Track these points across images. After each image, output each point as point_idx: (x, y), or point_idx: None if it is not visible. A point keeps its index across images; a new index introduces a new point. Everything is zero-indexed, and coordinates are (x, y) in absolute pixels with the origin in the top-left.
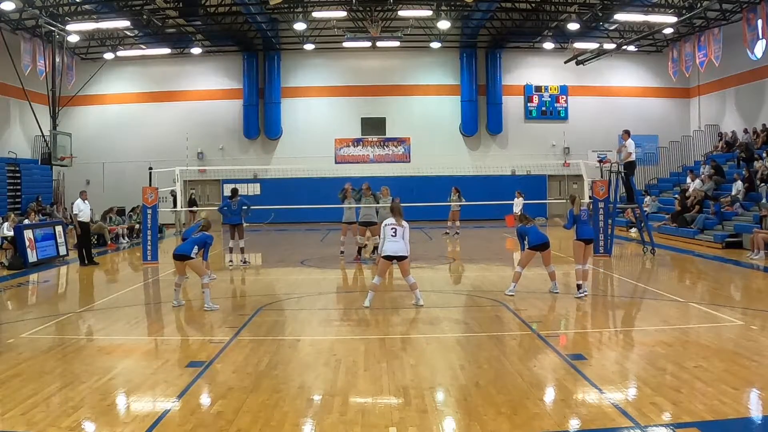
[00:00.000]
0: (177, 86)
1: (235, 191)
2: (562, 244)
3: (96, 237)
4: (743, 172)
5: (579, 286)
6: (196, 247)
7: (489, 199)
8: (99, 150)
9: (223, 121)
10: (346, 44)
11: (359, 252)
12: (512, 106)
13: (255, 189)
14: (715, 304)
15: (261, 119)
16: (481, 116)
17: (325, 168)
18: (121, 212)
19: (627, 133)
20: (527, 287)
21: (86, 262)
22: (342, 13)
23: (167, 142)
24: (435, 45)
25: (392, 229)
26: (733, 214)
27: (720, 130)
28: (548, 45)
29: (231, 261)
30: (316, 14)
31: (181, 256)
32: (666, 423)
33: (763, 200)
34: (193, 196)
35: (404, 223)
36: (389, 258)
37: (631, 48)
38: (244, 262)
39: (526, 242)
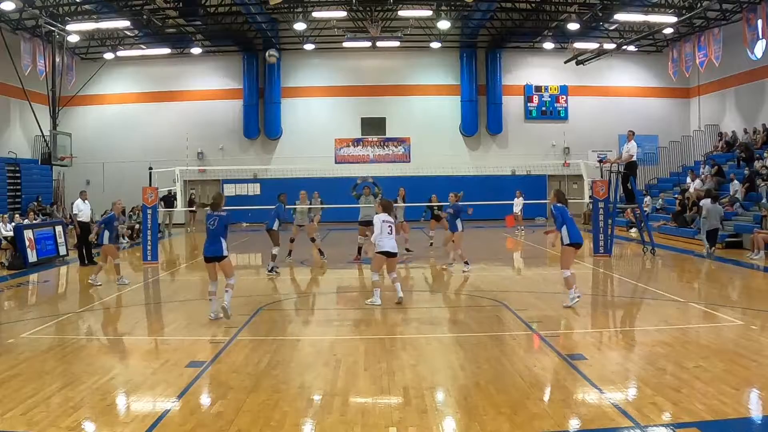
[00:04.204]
0: (177, 86)
1: (279, 198)
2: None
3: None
4: (744, 172)
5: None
6: (223, 241)
7: (489, 199)
8: (99, 150)
9: (223, 121)
10: (346, 44)
11: (359, 252)
12: (512, 106)
13: (255, 189)
14: (715, 304)
15: (261, 119)
16: (481, 116)
17: (325, 168)
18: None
19: (632, 133)
20: (527, 287)
21: (86, 262)
22: (342, 13)
23: (167, 142)
24: (435, 45)
25: (389, 226)
26: (733, 214)
27: (720, 130)
28: (548, 45)
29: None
30: (316, 14)
31: (214, 258)
32: (666, 423)
33: (763, 200)
34: (193, 196)
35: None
36: (388, 254)
37: (631, 48)
38: (270, 270)
39: (458, 222)
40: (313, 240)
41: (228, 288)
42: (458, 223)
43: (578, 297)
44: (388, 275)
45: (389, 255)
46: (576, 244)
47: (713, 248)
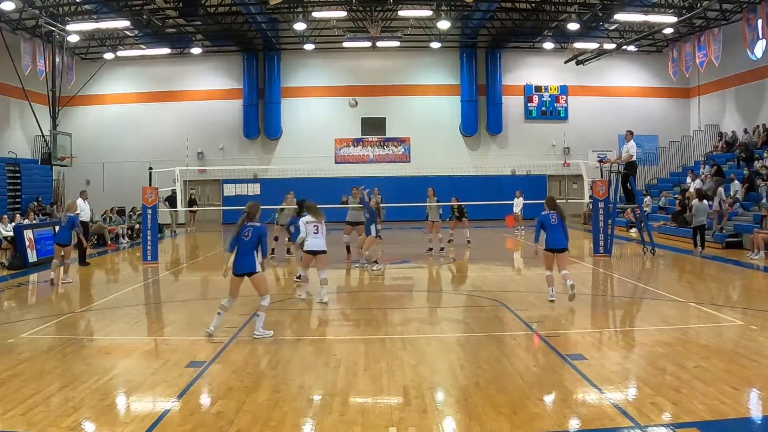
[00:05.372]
0: (177, 86)
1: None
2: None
3: (96, 237)
4: (743, 172)
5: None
6: (256, 254)
7: (489, 199)
8: (99, 150)
9: (223, 121)
10: (346, 44)
11: (348, 251)
12: (512, 106)
13: (255, 189)
14: (715, 304)
15: (261, 119)
16: (481, 116)
17: (325, 168)
18: (121, 212)
19: (630, 133)
20: (527, 287)
21: (85, 261)
22: (342, 13)
23: (167, 142)
24: (435, 45)
25: (314, 226)
26: (733, 214)
27: (720, 130)
28: (548, 45)
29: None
30: (316, 14)
31: (245, 274)
32: (666, 423)
33: (763, 200)
34: (193, 196)
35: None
36: (313, 253)
37: (631, 48)
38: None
39: (372, 227)
40: (276, 239)
41: (260, 311)
42: (372, 228)
43: (553, 298)
44: (317, 274)
45: (315, 253)
46: (549, 248)
47: (702, 246)
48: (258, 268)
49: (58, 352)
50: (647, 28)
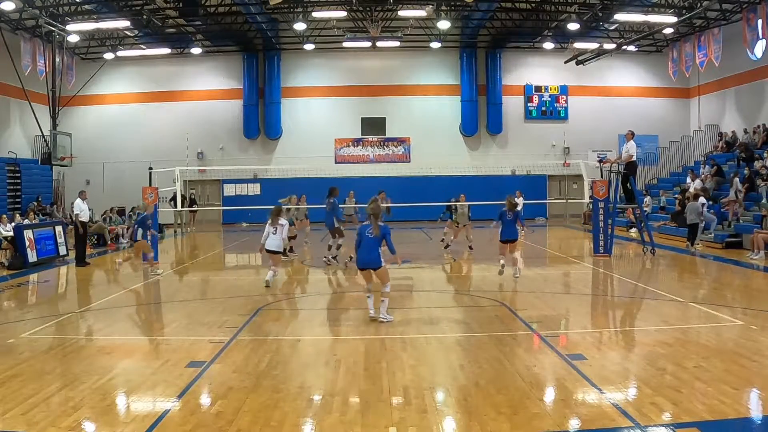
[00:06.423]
0: (177, 86)
1: (330, 191)
2: (563, 244)
3: (96, 237)
4: (744, 172)
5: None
6: (380, 250)
7: (489, 199)
8: (99, 150)
9: (223, 121)
10: (346, 44)
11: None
12: (512, 106)
13: (255, 189)
14: (715, 304)
15: (261, 119)
16: (481, 116)
17: (325, 168)
18: (121, 212)
19: (632, 133)
20: (527, 287)
21: (83, 262)
22: (342, 13)
23: (167, 142)
24: (435, 45)
25: (274, 228)
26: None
27: (720, 130)
28: (548, 45)
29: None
30: (316, 14)
31: (369, 268)
32: (666, 423)
33: (763, 200)
34: (193, 196)
35: (282, 221)
36: (268, 251)
37: (631, 48)
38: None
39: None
40: (294, 238)
41: (384, 297)
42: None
43: (502, 266)
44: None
45: (269, 252)
46: (503, 240)
47: (694, 244)
48: (382, 263)
49: (58, 352)
50: (647, 28)
